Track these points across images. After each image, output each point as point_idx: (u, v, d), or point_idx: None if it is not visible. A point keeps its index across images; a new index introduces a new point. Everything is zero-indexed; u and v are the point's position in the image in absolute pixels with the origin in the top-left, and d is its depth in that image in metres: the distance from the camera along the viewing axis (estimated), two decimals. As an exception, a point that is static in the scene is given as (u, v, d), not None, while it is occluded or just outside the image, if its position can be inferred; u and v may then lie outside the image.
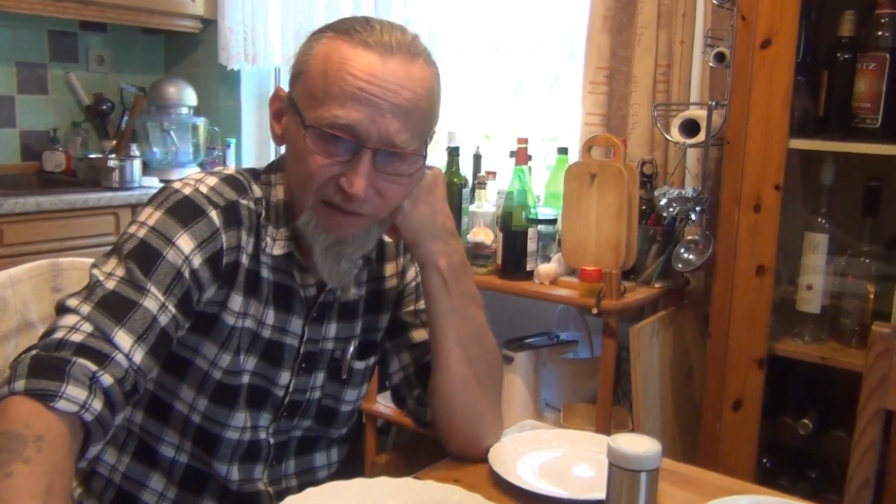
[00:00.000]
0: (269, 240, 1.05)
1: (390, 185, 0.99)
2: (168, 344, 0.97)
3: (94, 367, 0.86)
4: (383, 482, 1.02)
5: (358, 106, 0.94)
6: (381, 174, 0.97)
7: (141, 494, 1.10)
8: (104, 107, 3.24)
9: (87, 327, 0.89)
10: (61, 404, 0.81)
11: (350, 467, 1.24)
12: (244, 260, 1.03)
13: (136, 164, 2.91)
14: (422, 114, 0.99)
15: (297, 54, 1.01)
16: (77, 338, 0.88)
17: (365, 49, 0.95)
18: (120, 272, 0.94)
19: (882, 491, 1.32)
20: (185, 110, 3.26)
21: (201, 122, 3.28)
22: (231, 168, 1.09)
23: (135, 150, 2.96)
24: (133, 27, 3.29)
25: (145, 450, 1.09)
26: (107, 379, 0.86)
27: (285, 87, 1.04)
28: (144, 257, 0.95)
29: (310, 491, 0.99)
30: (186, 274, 0.97)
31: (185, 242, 0.97)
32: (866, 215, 1.83)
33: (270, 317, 1.07)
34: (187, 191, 1.01)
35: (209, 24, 3.28)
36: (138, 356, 0.91)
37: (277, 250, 1.05)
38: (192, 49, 3.43)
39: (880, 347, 1.24)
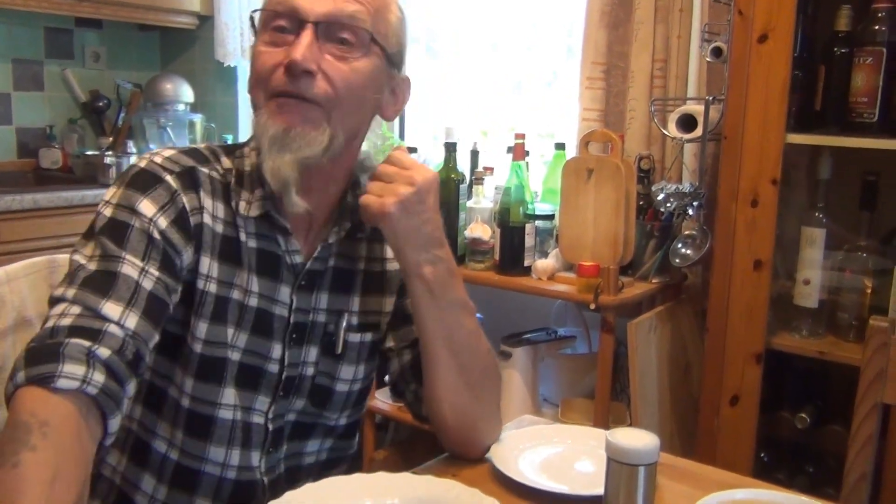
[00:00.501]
0: (243, 203, 1.05)
1: (337, 66, 0.98)
2: (163, 308, 0.97)
3: (88, 344, 0.86)
4: (381, 477, 1.02)
5: None
6: (327, 54, 0.98)
7: (135, 497, 1.08)
8: (100, 103, 3.24)
9: (76, 309, 0.90)
10: (61, 383, 0.81)
11: (348, 463, 1.23)
12: (211, 222, 1.03)
13: (133, 161, 2.90)
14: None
15: None
16: (67, 321, 0.88)
17: None
18: (98, 252, 0.95)
19: (879, 485, 1.33)
20: (181, 107, 3.25)
21: (198, 118, 3.28)
22: (202, 144, 1.10)
23: (131, 146, 2.96)
24: (129, 23, 3.29)
25: (139, 447, 1.08)
26: (104, 352, 0.87)
27: None
28: (115, 231, 0.97)
29: (308, 486, 0.99)
30: (156, 235, 0.97)
31: (147, 207, 0.98)
32: (863, 210, 1.83)
33: (255, 284, 1.06)
34: (143, 164, 1.04)
35: (205, 21, 3.28)
36: (132, 322, 0.91)
37: (254, 211, 1.05)
38: (188, 45, 3.42)
39: (877, 341, 1.24)
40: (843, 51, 1.76)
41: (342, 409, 1.17)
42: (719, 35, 2.04)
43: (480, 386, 1.12)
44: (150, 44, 3.50)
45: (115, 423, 0.86)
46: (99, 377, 0.84)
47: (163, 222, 0.98)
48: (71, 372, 0.82)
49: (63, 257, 1.25)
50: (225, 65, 3.22)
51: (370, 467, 2.50)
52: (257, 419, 1.09)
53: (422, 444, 2.52)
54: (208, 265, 1.03)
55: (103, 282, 0.92)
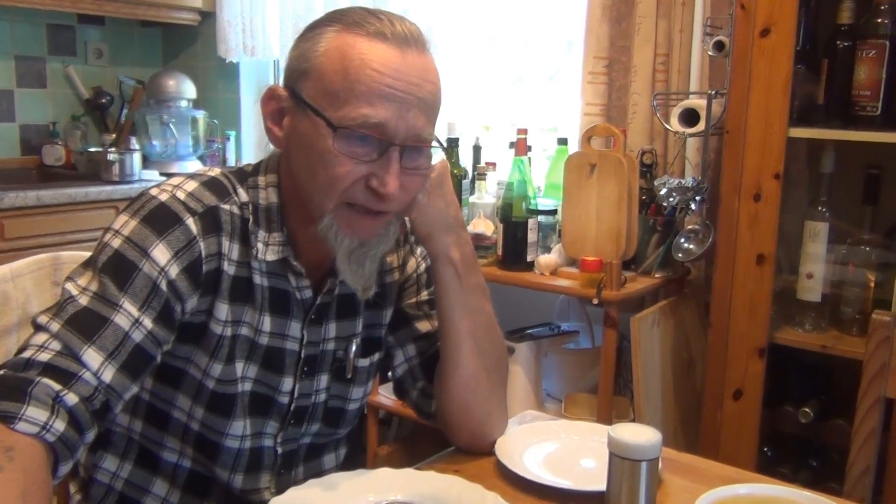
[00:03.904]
0: (260, 245, 1.01)
1: (413, 180, 0.98)
2: (146, 360, 0.94)
3: (57, 387, 0.85)
4: (385, 473, 1.02)
5: (386, 103, 0.92)
6: (405, 169, 0.96)
7: (144, 500, 1.09)
8: (103, 100, 3.24)
9: (56, 345, 0.88)
10: (21, 426, 0.81)
11: (352, 459, 1.24)
12: (226, 267, 1.00)
13: (136, 158, 2.91)
14: (439, 105, 0.99)
15: (300, 50, 0.97)
16: (44, 357, 0.86)
17: (382, 42, 0.93)
18: (94, 287, 0.92)
19: (882, 478, 1.33)
20: (184, 103, 3.25)
21: (201, 114, 3.27)
22: (216, 170, 1.05)
23: (134, 143, 2.96)
24: (131, 20, 3.29)
25: (148, 456, 1.08)
26: (71, 398, 0.85)
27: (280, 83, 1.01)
28: (119, 270, 0.93)
29: (312, 482, 1.00)
30: (163, 286, 0.94)
31: (161, 253, 0.94)
32: (866, 203, 1.83)
33: (267, 323, 1.04)
34: (164, 197, 0.97)
35: (208, 17, 3.27)
36: (108, 374, 0.89)
37: (271, 256, 1.02)
38: (190, 42, 3.42)
39: (880, 335, 1.25)
40: (845, 44, 1.76)
41: (353, 422, 1.20)
42: (721, 29, 2.04)
43: (496, 374, 1.13)
44: (152, 40, 3.50)
45: (64, 469, 0.85)
46: (59, 425, 0.83)
47: (174, 271, 0.95)
48: (33, 416, 0.81)
49: (67, 254, 1.25)
50: (227, 61, 3.22)
51: (374, 463, 2.51)
52: (267, 442, 1.10)
53: (425, 440, 2.53)
54: (225, 311, 1.01)
55: (92, 324, 0.89)
